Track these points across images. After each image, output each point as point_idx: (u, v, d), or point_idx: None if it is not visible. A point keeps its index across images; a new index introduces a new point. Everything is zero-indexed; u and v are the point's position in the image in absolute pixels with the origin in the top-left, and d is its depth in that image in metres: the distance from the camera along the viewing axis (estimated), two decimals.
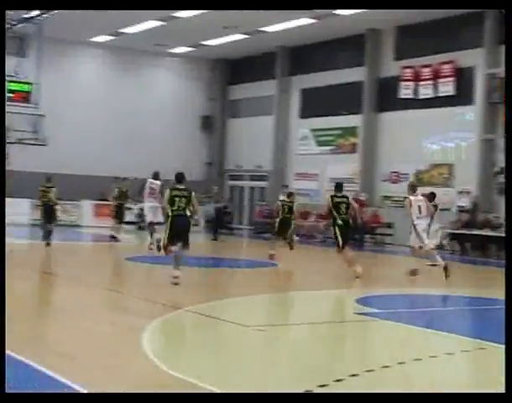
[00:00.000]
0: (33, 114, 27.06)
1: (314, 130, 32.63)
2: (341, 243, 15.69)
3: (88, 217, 31.16)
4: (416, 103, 28.26)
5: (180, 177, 13.63)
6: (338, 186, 16.31)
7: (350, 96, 30.72)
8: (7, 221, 22.84)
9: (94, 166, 32.55)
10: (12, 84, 26.94)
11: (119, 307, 11.46)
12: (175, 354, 8.17)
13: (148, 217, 19.87)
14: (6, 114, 26.15)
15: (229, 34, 31.03)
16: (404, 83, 28.64)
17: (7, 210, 22.94)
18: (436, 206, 18.16)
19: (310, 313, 11.84)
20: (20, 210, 29.66)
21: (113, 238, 22.38)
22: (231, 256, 20.30)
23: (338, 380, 6.79)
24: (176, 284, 13.02)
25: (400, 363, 7.76)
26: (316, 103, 32.63)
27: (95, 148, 33.25)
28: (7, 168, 31.90)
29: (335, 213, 15.76)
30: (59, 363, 7.10)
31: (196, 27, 29.25)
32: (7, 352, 7.36)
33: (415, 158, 27.96)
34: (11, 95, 26.82)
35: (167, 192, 13.53)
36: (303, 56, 33.29)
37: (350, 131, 30.95)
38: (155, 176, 20.29)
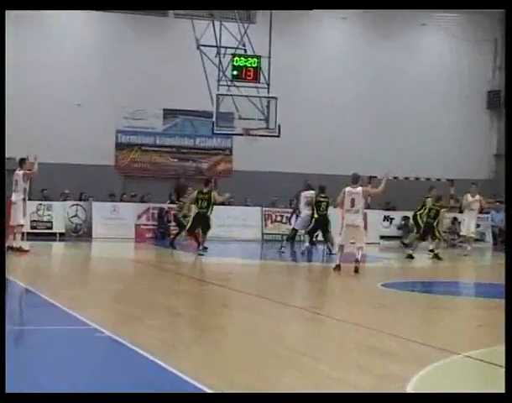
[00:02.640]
0: (262, 96, 27.33)
1: None
2: None
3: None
4: None
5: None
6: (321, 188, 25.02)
7: None
8: (236, 234, 24.31)
9: (336, 163, 32.58)
10: (236, 59, 27.15)
11: (372, 348, 11.42)
12: None
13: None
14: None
15: None
16: None
17: (237, 222, 24.11)
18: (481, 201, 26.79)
19: None
20: (252, 221, 30.46)
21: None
22: None
23: None
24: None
25: None
26: None
27: (337, 138, 33.84)
28: (231, 167, 32.93)
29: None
30: None
31: None
32: None
33: None
34: (235, 73, 27.16)
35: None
36: None
37: None
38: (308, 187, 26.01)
